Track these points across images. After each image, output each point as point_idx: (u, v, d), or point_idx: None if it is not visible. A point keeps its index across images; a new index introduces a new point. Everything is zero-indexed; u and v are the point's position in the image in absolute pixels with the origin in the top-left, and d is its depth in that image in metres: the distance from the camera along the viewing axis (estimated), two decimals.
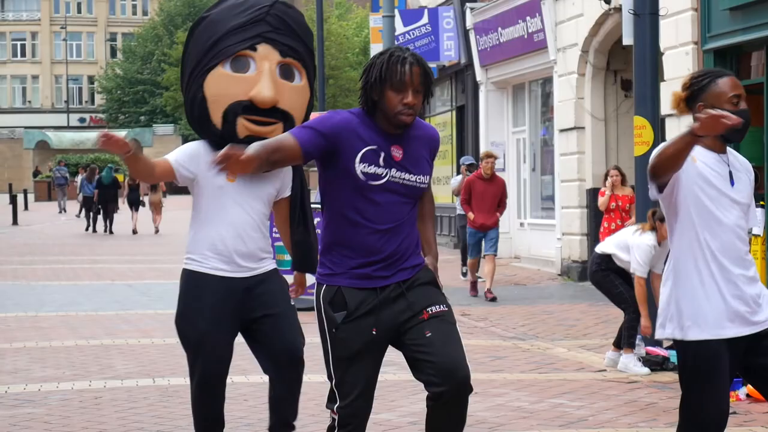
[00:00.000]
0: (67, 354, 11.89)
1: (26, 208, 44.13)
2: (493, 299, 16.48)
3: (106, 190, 35.16)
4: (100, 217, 35.89)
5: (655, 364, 10.73)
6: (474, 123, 25.29)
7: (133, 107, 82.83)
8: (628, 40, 12.25)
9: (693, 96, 5.33)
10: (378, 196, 5.17)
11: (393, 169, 5.18)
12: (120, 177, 39.77)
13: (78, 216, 40.44)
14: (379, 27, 23.51)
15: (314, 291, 5.35)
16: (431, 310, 5.23)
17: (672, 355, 10.88)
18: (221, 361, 6.54)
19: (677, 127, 16.67)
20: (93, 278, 20.71)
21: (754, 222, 5.47)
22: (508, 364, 11.08)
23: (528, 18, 21.71)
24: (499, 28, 22.98)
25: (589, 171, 19.96)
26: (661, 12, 11.99)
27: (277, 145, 5.12)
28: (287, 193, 6.63)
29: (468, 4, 24.36)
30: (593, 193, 19.59)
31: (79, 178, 42.80)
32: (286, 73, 6.57)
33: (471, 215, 16.91)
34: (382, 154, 5.16)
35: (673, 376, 10.43)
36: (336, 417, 5.23)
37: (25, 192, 47.97)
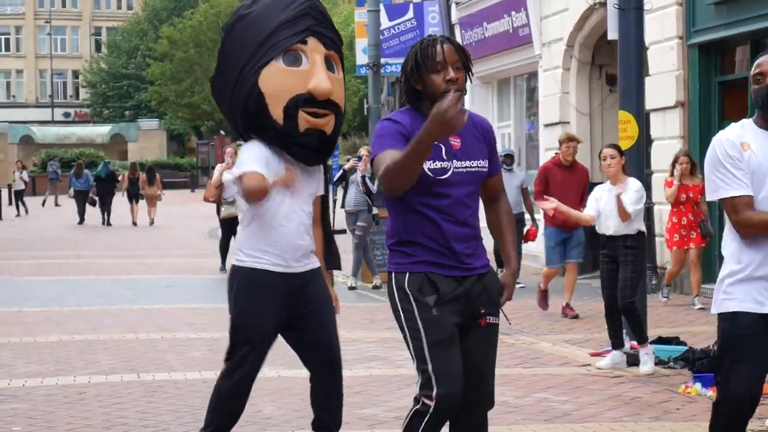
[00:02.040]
0: (52, 349, 11.87)
1: (10, 203, 44.06)
2: (575, 317, 14.20)
3: (103, 183, 36.28)
4: (92, 209, 36.55)
5: (639, 358, 10.73)
6: None
7: (118, 102, 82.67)
8: (613, 34, 12.24)
9: None
10: (447, 189, 5.19)
11: (455, 160, 5.21)
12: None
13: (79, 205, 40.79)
14: (365, 21, 23.55)
15: (389, 281, 5.34)
16: (489, 320, 5.34)
17: (656, 349, 10.89)
18: (263, 359, 6.59)
19: (662, 122, 16.71)
20: (78, 273, 20.66)
21: None
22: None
23: (513, 13, 21.72)
24: (485, 23, 22.98)
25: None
26: (646, 6, 11.99)
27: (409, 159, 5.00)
28: (321, 191, 6.72)
29: None
30: None
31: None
32: (329, 65, 6.61)
33: (550, 210, 13.11)
34: (443, 147, 5.18)
35: (657, 371, 10.45)
36: (433, 403, 5.14)
37: (9, 187, 47.78)
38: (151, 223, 35.74)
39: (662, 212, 16.74)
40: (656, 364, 10.64)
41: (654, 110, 16.50)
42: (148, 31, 79.24)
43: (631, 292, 10.60)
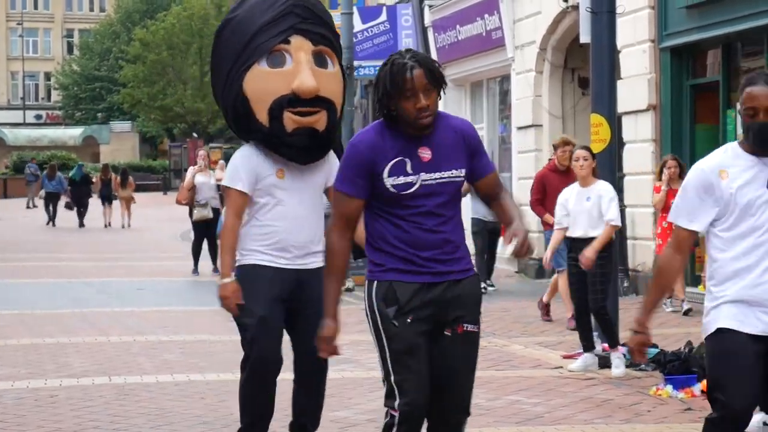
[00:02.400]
0: (24, 352, 11.81)
1: None
2: (549, 320, 13.83)
3: (78, 186, 36.86)
4: (62, 211, 36.73)
5: (610, 361, 10.75)
6: None
7: (90, 104, 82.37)
8: (585, 38, 12.27)
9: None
10: (415, 201, 5.18)
11: (422, 173, 5.17)
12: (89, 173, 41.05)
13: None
14: (338, 24, 23.47)
15: (364, 288, 5.36)
16: (467, 327, 5.26)
17: (628, 352, 10.90)
18: (275, 349, 6.64)
19: (634, 125, 16.77)
20: (50, 276, 20.58)
21: None
22: None
23: (486, 16, 21.75)
24: (458, 26, 23.00)
25: None
26: (619, 10, 12.03)
27: (347, 213, 5.23)
28: (332, 182, 6.62)
29: (426, 2, 24.38)
30: None
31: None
32: (321, 61, 6.62)
33: (550, 218, 12.92)
34: (408, 162, 5.16)
35: (629, 373, 10.48)
36: (396, 414, 5.15)
37: None
38: (128, 226, 35.92)
39: (634, 214, 16.80)
40: (627, 366, 10.66)
41: (626, 113, 16.55)
42: (121, 34, 78.99)
43: (602, 296, 10.62)
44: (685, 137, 15.95)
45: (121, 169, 40.95)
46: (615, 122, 11.76)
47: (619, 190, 14.99)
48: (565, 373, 10.60)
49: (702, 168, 5.30)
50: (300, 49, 6.54)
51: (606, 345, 10.93)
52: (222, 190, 6.79)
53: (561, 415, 8.79)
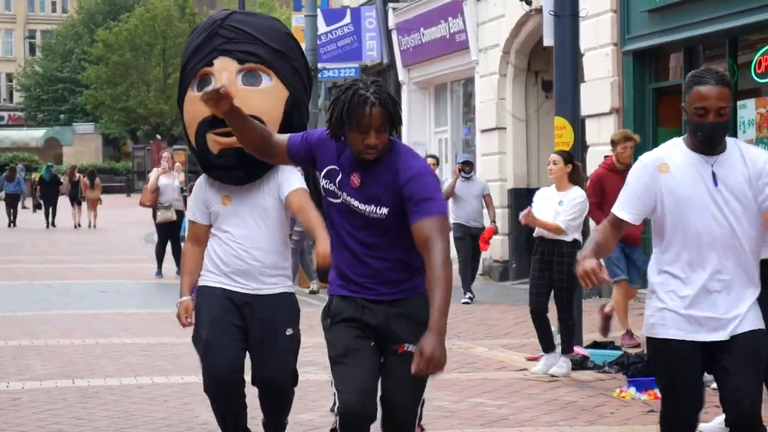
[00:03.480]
0: None
1: None
2: (637, 345, 11.59)
3: (47, 187, 37.92)
4: (24, 212, 37.69)
5: (575, 363, 10.79)
6: None
7: (53, 105, 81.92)
8: (548, 41, 12.32)
9: (684, 96, 5.29)
10: (340, 214, 5.19)
11: (345, 193, 5.17)
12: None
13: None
14: (302, 26, 23.49)
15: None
16: (407, 348, 5.17)
17: (592, 354, 10.97)
18: (227, 366, 6.58)
19: (597, 127, 16.84)
20: (11, 279, 20.45)
21: None
22: None
23: (450, 18, 21.79)
24: (422, 29, 23.03)
25: (511, 171, 20.07)
26: (581, 13, 12.08)
27: (269, 133, 5.40)
28: (291, 186, 6.57)
29: (390, 4, 24.40)
30: (514, 193, 19.73)
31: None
32: (250, 78, 6.57)
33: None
34: (340, 176, 5.17)
35: (593, 375, 10.53)
36: (337, 419, 5.16)
37: None
38: (94, 226, 36.72)
39: None
40: (591, 368, 10.72)
41: (589, 116, 16.61)
42: (83, 35, 78.60)
43: (569, 300, 10.66)
44: (648, 140, 16.02)
45: (88, 170, 41.84)
46: (578, 125, 11.81)
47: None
48: (529, 375, 10.63)
49: (644, 161, 5.34)
50: (223, 69, 6.53)
51: (577, 348, 10.95)
52: None
53: (525, 417, 8.82)
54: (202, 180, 6.74)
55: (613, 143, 11.92)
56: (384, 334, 5.21)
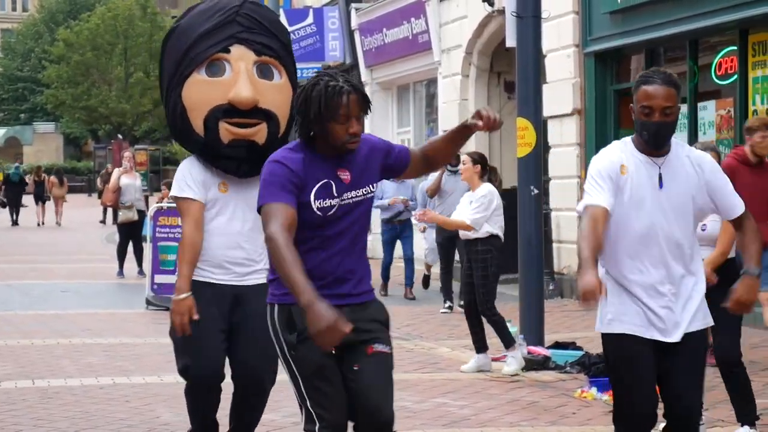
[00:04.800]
0: None
1: None
2: None
3: (14, 187, 38.91)
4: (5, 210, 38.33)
5: (536, 363, 10.83)
6: None
7: (13, 104, 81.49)
8: (511, 42, 12.35)
9: (633, 96, 5.32)
10: (330, 224, 5.12)
11: (345, 193, 5.13)
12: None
13: None
14: None
15: (267, 313, 5.24)
16: (376, 347, 5.18)
17: (553, 354, 11.01)
18: (207, 364, 6.46)
19: (559, 129, 16.89)
20: None
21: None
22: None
23: (413, 19, 21.81)
24: (384, 29, 23.05)
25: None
26: (544, 15, 12.12)
27: (291, 220, 5.00)
28: None
29: (353, 5, 24.40)
30: None
31: None
32: (265, 71, 6.47)
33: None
34: (334, 185, 5.11)
35: (554, 376, 10.56)
36: None
37: None
38: (58, 223, 37.95)
39: (560, 218, 16.93)
40: (552, 368, 10.76)
41: (551, 117, 16.67)
42: (44, 34, 78.21)
43: (486, 297, 10.73)
44: (610, 141, 16.06)
45: (55, 168, 43.55)
46: (540, 126, 11.84)
47: (545, 192, 15.13)
48: (490, 376, 10.65)
49: (609, 158, 5.34)
50: (240, 59, 6.41)
51: (532, 347, 11.01)
52: (176, 205, 6.63)
53: (487, 418, 8.84)
54: (194, 161, 6.49)
55: (749, 130, 9.66)
56: (350, 338, 5.03)
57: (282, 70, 6.54)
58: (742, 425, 7.90)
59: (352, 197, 5.15)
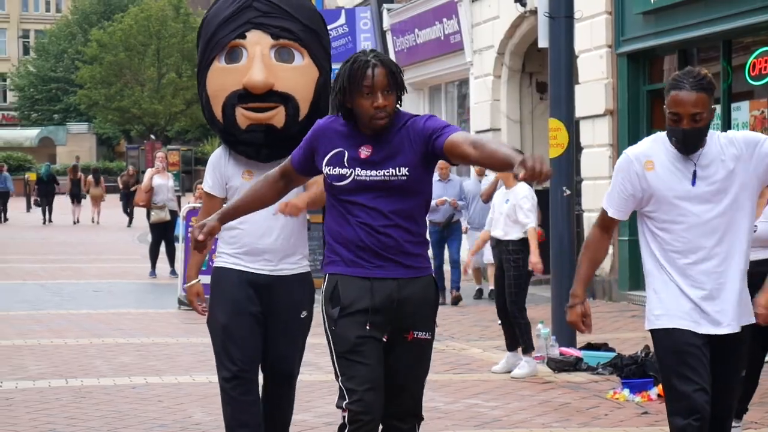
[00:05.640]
0: None
1: None
2: None
3: (45, 185, 39.87)
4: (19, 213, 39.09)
5: (568, 364, 10.81)
6: None
7: (47, 105, 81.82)
8: (543, 42, 12.32)
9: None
10: (349, 196, 5.13)
11: (357, 168, 5.11)
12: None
13: None
14: None
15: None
16: (417, 335, 5.19)
17: (585, 355, 10.97)
18: (243, 353, 6.37)
19: (591, 129, 16.85)
20: (3, 278, 20.40)
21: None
22: None
23: (444, 20, 21.79)
24: (416, 30, 23.04)
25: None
26: (576, 15, 12.09)
27: (272, 175, 5.41)
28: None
29: (385, 5, 24.39)
30: None
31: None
32: (283, 55, 6.45)
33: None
34: (346, 155, 5.12)
35: (586, 377, 10.53)
36: (345, 414, 5.11)
37: None
38: (97, 222, 38.57)
39: (591, 219, 16.86)
40: (584, 370, 10.73)
41: (583, 118, 16.63)
42: (77, 35, 78.53)
43: (516, 299, 10.72)
44: None
45: (92, 168, 44.47)
46: (573, 127, 11.82)
47: (577, 193, 15.09)
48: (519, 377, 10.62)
49: (629, 156, 5.36)
50: (257, 43, 6.41)
51: (564, 348, 10.98)
52: None
53: (519, 419, 8.82)
54: (220, 152, 6.53)
55: None
56: (394, 318, 5.14)
57: (304, 51, 6.51)
58: None
59: (369, 175, 5.11)
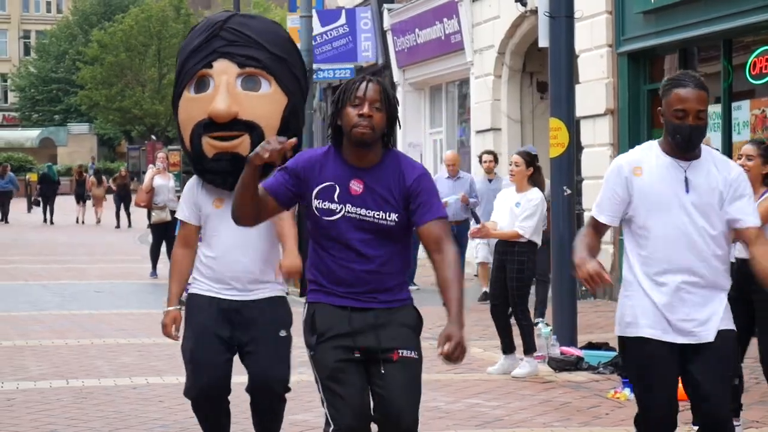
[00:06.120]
0: None
1: None
2: None
3: (47, 185, 40.57)
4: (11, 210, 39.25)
5: (569, 364, 10.81)
6: None
7: (47, 106, 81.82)
8: (543, 42, 12.32)
9: (662, 99, 5.31)
10: (336, 232, 5.09)
11: (348, 205, 5.08)
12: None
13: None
14: (297, 27, 23.47)
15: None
16: (402, 353, 5.17)
17: (586, 355, 10.98)
18: (210, 381, 6.49)
19: (592, 129, 16.85)
20: (5, 278, 20.42)
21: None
22: (424, 365, 11.07)
23: (445, 19, 21.80)
24: (417, 29, 23.04)
25: (506, 172, 20.03)
26: (576, 15, 12.08)
27: (255, 198, 5.15)
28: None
29: (385, 5, 24.40)
30: None
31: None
32: (249, 83, 6.48)
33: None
34: (338, 190, 5.07)
35: (587, 376, 10.54)
36: None
37: None
38: (98, 222, 38.65)
39: None
40: (585, 369, 10.73)
41: (584, 117, 16.63)
42: (78, 35, 78.53)
43: (520, 300, 10.71)
44: (643, 141, 15.99)
45: (95, 169, 45.05)
46: (573, 126, 11.81)
47: (578, 193, 15.08)
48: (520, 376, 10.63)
49: (619, 163, 5.41)
50: (223, 72, 6.44)
51: (565, 348, 10.99)
52: None
53: (520, 418, 8.83)
54: (194, 181, 6.63)
55: None
56: (374, 343, 5.12)
57: (271, 79, 6.52)
58: None
59: (360, 213, 5.08)
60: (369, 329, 5.13)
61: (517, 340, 10.86)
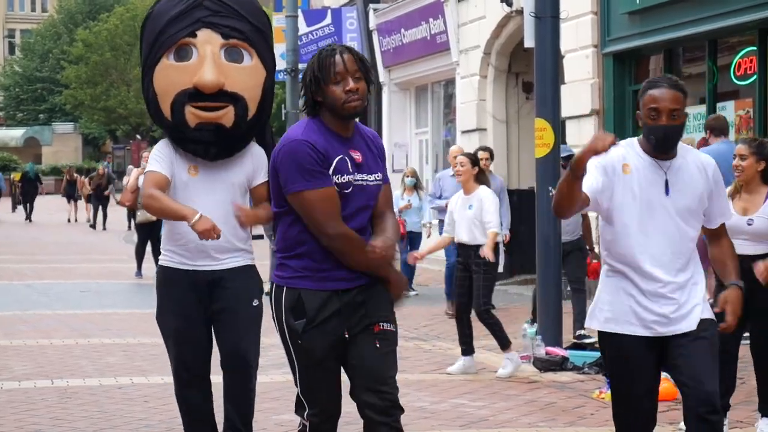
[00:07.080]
0: None
1: None
2: None
3: (29, 183, 41.16)
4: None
5: (554, 364, 10.83)
6: (377, 124, 25.35)
7: (32, 105, 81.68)
8: (529, 42, 12.35)
9: (639, 103, 5.35)
10: (345, 203, 5.14)
11: (357, 173, 5.16)
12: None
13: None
14: (282, 27, 23.47)
15: (270, 293, 5.29)
16: (383, 326, 5.22)
17: (571, 355, 10.99)
18: (195, 355, 6.50)
19: (577, 129, 16.87)
20: None
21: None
22: (409, 365, 11.11)
23: (431, 19, 21.81)
24: (402, 30, 23.05)
25: (502, 170, 20.09)
26: (562, 15, 12.10)
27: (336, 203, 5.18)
28: (263, 178, 6.44)
29: (371, 5, 24.41)
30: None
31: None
32: (233, 55, 6.46)
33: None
34: (348, 162, 5.14)
35: (572, 377, 10.55)
36: (307, 424, 5.20)
37: None
38: (88, 221, 38.01)
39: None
40: (570, 369, 10.75)
41: (570, 118, 16.66)
42: (63, 34, 78.40)
43: (485, 300, 10.72)
44: None
45: (85, 170, 45.91)
46: (559, 127, 11.83)
47: None
48: (514, 377, 10.64)
49: (609, 155, 5.36)
50: (207, 42, 6.40)
51: (550, 348, 11.00)
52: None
53: (505, 419, 8.84)
54: (166, 143, 6.51)
55: None
56: (356, 320, 5.18)
57: (253, 52, 6.51)
58: (762, 417, 7.92)
59: (365, 179, 5.18)
60: (349, 307, 5.19)
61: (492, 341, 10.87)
